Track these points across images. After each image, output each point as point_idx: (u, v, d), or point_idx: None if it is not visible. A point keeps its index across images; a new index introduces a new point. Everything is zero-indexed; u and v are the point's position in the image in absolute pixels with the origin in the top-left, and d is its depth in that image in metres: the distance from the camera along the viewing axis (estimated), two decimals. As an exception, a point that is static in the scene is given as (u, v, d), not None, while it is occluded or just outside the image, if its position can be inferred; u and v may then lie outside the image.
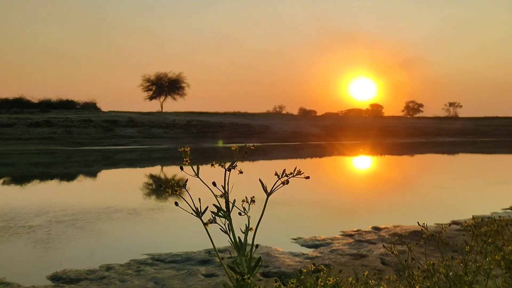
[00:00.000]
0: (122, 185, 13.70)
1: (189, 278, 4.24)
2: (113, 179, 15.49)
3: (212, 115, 48.94)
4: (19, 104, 44.56)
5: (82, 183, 14.19)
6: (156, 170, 18.15)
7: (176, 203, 1.00)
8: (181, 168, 1.00)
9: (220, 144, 33.04)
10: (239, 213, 1.04)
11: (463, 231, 6.52)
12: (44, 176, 15.64)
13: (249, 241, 1.03)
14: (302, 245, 5.98)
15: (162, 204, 9.33)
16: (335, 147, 30.53)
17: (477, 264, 1.62)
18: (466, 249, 1.70)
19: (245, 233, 1.01)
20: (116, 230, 7.00)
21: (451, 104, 77.82)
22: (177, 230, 7.23)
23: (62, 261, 5.12)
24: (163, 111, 54.56)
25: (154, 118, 43.01)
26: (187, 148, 1.01)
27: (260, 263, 1.00)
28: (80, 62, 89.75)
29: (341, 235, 6.55)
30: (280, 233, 6.74)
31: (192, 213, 0.97)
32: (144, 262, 4.99)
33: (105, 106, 62.00)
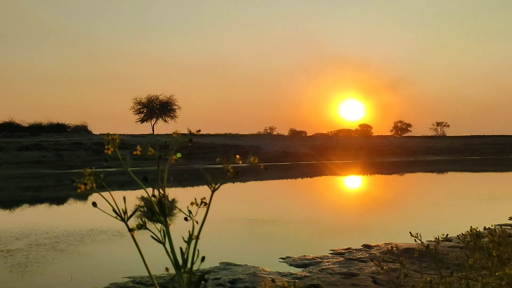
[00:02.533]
0: (109, 207, 13.38)
1: (170, 300, 4.04)
2: (101, 202, 15.15)
3: (203, 136, 48.89)
4: (9, 128, 44.14)
5: (68, 206, 13.86)
6: (144, 192, 17.83)
7: (94, 204, 0.88)
8: (106, 161, 0.89)
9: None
10: (185, 219, 0.92)
11: (456, 248, 6.39)
12: (32, 200, 15.26)
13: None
14: (291, 265, 5.80)
15: (149, 225, 9.09)
16: (326, 166, 30.51)
17: (483, 280, 1.44)
18: (470, 263, 1.52)
19: (188, 242, 0.88)
20: (98, 252, 6.74)
21: (438, 124, 78.99)
22: (163, 250, 6.99)
23: (38, 286, 4.88)
24: (155, 133, 54.38)
25: (146, 140, 42.81)
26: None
27: (205, 280, 0.86)
28: (71, 85, 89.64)
29: (331, 253, 6.39)
30: (268, 252, 6.55)
31: (116, 217, 0.85)
32: (124, 286, 4.77)
33: (96, 129, 61.69)
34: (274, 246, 7.00)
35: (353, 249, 6.54)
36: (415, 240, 1.67)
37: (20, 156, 34.44)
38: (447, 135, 70.92)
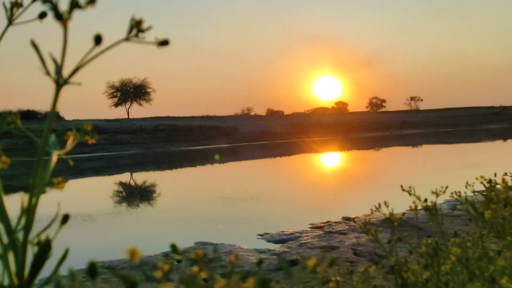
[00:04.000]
0: (82, 192, 12.92)
1: (141, 284, 3.79)
2: (75, 187, 14.63)
3: (179, 119, 48.12)
4: (-25, 117, 42.34)
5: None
6: (124, 176, 17.35)
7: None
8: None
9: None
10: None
11: (437, 216, 6.34)
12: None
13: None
14: (269, 241, 5.64)
15: (121, 209, 8.78)
16: (303, 144, 30.55)
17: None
18: (487, 215, 1.21)
19: (33, 179, 0.61)
20: (64, 239, 6.40)
21: (412, 99, 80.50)
22: (136, 233, 6.73)
23: None
24: (130, 117, 53.14)
25: (120, 125, 41.82)
26: None
27: (64, 257, 0.58)
28: (40, 71, 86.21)
29: (310, 227, 6.26)
30: (246, 229, 6.38)
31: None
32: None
33: (69, 115, 60.18)
34: (252, 223, 6.83)
35: (333, 222, 6.43)
36: (409, 193, 1.43)
37: (-13, 145, 33.04)
38: (421, 109, 72.32)
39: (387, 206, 1.49)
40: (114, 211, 8.52)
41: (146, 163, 23.58)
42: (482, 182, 1.32)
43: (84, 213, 8.10)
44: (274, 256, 4.79)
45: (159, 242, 5.85)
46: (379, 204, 1.51)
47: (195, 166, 20.21)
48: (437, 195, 1.20)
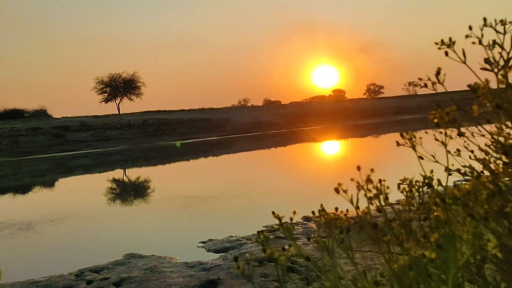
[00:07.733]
0: (40, 194, 12.09)
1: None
2: (38, 190, 13.82)
3: (170, 112, 47.31)
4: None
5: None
6: (111, 174, 16.53)
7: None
8: None
9: (178, 145, 27.46)
10: None
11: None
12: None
13: None
14: (209, 250, 4.82)
15: (70, 212, 7.94)
16: (295, 133, 29.66)
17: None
18: None
19: None
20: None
21: (410, 84, 79.52)
22: (64, 247, 5.88)
23: None
24: (121, 112, 52.29)
25: (109, 120, 41.05)
26: None
27: None
28: (28, 69, 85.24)
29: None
30: (190, 236, 5.55)
31: None
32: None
33: (58, 112, 59.48)
34: (201, 227, 6.00)
35: (289, 224, 5.61)
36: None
37: (-31, 146, 32.18)
38: (419, 94, 71.29)
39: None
40: (60, 216, 7.69)
41: (136, 159, 22.76)
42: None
43: (23, 221, 7.29)
44: (202, 272, 3.98)
45: (85, 257, 5.04)
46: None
47: (166, 163, 19.37)
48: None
